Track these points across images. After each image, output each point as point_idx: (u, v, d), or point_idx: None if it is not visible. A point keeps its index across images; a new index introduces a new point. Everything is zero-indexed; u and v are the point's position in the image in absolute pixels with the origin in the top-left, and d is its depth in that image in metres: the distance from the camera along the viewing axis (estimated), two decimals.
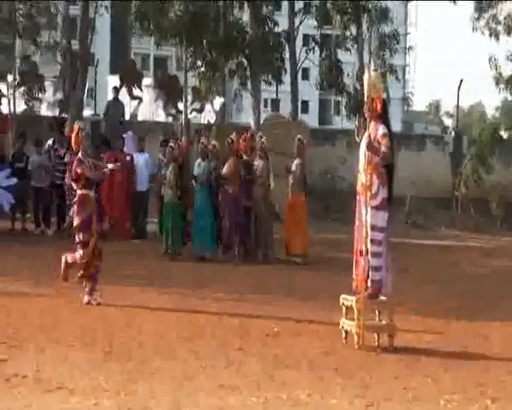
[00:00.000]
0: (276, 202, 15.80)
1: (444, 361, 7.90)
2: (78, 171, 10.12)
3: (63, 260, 10.21)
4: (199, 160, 15.11)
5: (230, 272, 13.50)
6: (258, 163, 14.82)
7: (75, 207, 10.15)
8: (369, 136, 8.43)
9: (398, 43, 27.02)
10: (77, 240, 10.08)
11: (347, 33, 25.80)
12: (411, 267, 14.05)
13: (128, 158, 17.89)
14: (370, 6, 25.71)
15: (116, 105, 21.87)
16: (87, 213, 10.07)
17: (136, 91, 25.08)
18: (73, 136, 10.33)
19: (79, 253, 10.05)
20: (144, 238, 17.12)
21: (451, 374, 7.46)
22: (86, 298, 10.09)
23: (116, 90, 22.63)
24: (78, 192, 10.17)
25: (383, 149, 8.38)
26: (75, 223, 10.13)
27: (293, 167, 14.81)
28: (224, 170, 14.82)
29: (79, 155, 10.22)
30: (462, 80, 25.72)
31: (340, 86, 24.98)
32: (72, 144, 10.44)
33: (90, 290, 10.11)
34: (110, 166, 10.76)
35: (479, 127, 31.09)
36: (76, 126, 10.40)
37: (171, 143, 15.55)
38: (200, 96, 24.35)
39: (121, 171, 17.24)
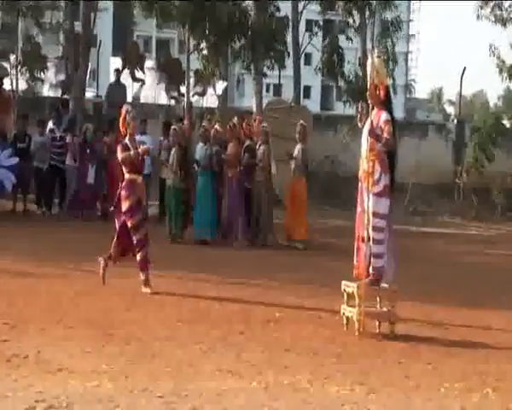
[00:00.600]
0: (277, 186, 15.77)
1: (445, 349, 7.90)
2: (119, 156, 9.85)
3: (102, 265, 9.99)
4: (200, 144, 15.07)
5: (231, 257, 13.48)
6: (259, 148, 14.80)
7: (123, 191, 9.79)
8: (372, 122, 8.40)
9: (400, 30, 26.88)
10: (129, 225, 9.77)
11: (350, 20, 25.69)
12: (413, 255, 14.04)
13: None
14: None
15: (118, 87, 21.81)
16: (136, 198, 9.77)
17: (138, 74, 24.99)
18: (121, 118, 9.96)
19: (135, 237, 9.76)
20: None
21: (452, 362, 7.46)
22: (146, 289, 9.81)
23: (118, 72, 22.57)
24: (126, 176, 9.83)
25: (385, 135, 8.35)
26: (124, 208, 9.78)
27: (296, 152, 14.79)
28: (225, 154, 14.80)
29: (126, 139, 9.90)
30: (465, 68, 25.62)
31: (341, 73, 24.90)
32: (120, 127, 10.02)
33: (146, 279, 9.89)
34: (142, 148, 10.11)
35: (481, 116, 30.95)
36: (123, 109, 10.00)
37: (175, 126, 15.49)
38: (203, 79, 24.26)
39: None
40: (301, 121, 15.28)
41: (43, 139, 17.62)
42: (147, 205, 10.12)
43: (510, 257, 15.80)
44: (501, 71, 26.08)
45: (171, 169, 14.88)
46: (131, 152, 9.76)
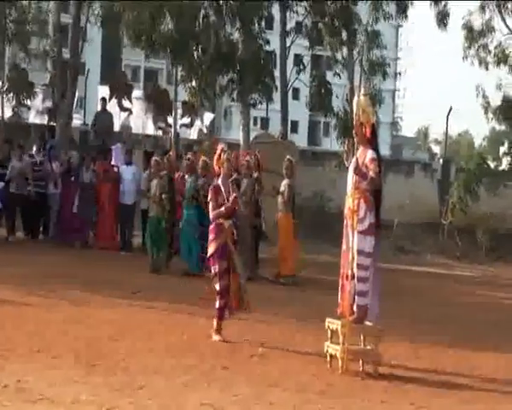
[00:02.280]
0: (264, 221, 15.85)
1: (431, 390, 7.93)
2: (210, 202, 9.55)
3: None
4: (186, 176, 15.16)
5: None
6: (243, 182, 14.88)
7: (210, 235, 9.53)
8: (357, 160, 8.50)
9: (387, 68, 27.18)
10: (212, 272, 9.52)
11: (338, 56, 25.96)
12: (399, 293, 14.11)
13: (115, 170, 17.99)
14: (361, 30, 25.88)
15: (104, 116, 21.92)
16: (222, 241, 9.42)
17: (125, 103, 25.11)
18: (215, 157, 9.71)
19: (217, 284, 9.43)
20: (130, 251, 17.21)
21: (439, 402, 7.49)
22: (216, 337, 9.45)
23: (104, 100, 22.67)
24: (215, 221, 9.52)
25: (371, 174, 8.45)
26: (209, 252, 9.52)
27: (282, 188, 14.88)
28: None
29: (219, 180, 9.60)
30: (451, 108, 25.95)
31: (329, 108, 25.11)
32: (214, 166, 9.79)
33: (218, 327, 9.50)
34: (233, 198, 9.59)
35: (466, 156, 31.31)
36: (219, 147, 9.78)
37: (156, 157, 15.58)
38: (190, 110, 24.41)
39: (108, 183, 17.45)
40: (288, 156, 15.39)
41: (21, 164, 17.56)
42: (235, 250, 9.51)
43: (496, 298, 15.93)
44: (486, 111, 26.42)
45: (154, 200, 14.95)
46: (223, 209, 9.44)
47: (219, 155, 9.62)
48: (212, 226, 9.52)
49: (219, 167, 9.64)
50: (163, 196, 14.98)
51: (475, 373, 8.84)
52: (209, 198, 9.58)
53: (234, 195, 9.53)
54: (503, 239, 22.57)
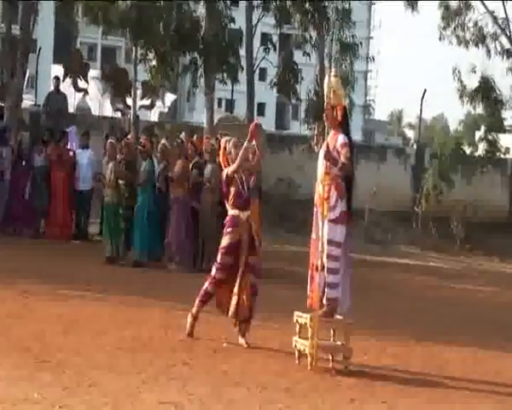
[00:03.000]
0: None
1: (401, 387, 7.94)
2: (224, 189, 9.30)
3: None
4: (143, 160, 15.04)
5: (176, 281, 13.45)
6: (207, 166, 14.81)
7: (225, 228, 9.19)
8: (328, 145, 8.46)
9: (358, 48, 27.20)
10: (217, 261, 9.23)
11: (307, 35, 25.90)
12: (369, 286, 14.15)
13: (71, 154, 17.80)
14: (332, 7, 25.85)
15: (57, 96, 21.64)
16: (237, 237, 9.08)
17: (81, 83, 24.85)
18: (220, 152, 9.48)
19: (215, 274, 9.21)
20: (85, 240, 17.06)
21: (409, 401, 7.50)
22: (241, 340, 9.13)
23: (57, 79, 22.34)
24: (229, 211, 9.21)
25: (342, 159, 8.41)
26: (221, 244, 9.21)
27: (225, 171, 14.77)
28: (173, 172, 14.80)
29: (231, 169, 9.20)
30: (425, 90, 26.01)
31: (295, 91, 25.08)
32: (220, 160, 9.53)
33: (244, 332, 9.15)
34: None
35: (441, 141, 31.50)
36: (222, 142, 9.50)
37: (111, 139, 15.44)
38: (151, 91, 24.23)
39: (62, 168, 17.25)
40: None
41: None
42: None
43: (469, 291, 16.06)
44: (461, 95, 26.58)
45: (109, 185, 14.83)
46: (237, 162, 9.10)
47: (224, 149, 9.30)
48: (228, 218, 9.20)
49: (226, 160, 9.26)
50: (120, 181, 14.85)
51: (444, 370, 8.86)
52: (224, 189, 9.30)
53: (241, 150, 9.09)
54: (478, 229, 22.74)
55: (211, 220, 14.60)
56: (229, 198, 9.18)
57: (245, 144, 9.11)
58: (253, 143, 9.14)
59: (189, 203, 14.77)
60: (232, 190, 9.14)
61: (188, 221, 14.72)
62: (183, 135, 15.36)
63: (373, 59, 38.69)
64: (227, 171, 9.22)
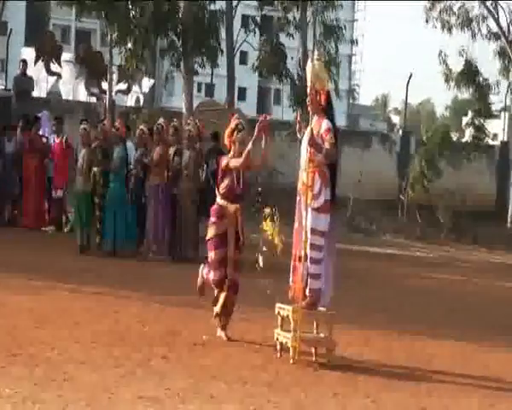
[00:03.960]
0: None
1: (385, 381, 7.98)
2: (219, 176, 9.11)
3: (200, 273, 9.27)
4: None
5: (152, 271, 13.44)
6: (184, 153, 14.79)
7: (211, 217, 9.07)
8: (312, 131, 8.45)
9: (343, 31, 27.20)
10: (208, 258, 9.10)
11: (290, 17, 25.87)
12: (353, 276, 14.19)
13: (44, 140, 17.71)
14: None
15: (24, 80, 21.49)
16: (223, 229, 8.94)
17: (54, 66, 24.70)
18: (227, 131, 9.08)
19: (211, 275, 9.07)
20: (59, 228, 17.01)
21: (393, 396, 7.53)
22: (221, 333, 9.07)
23: (24, 63, 22.13)
24: (217, 200, 9.05)
25: (327, 145, 8.40)
26: (207, 236, 9.10)
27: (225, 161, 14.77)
28: (151, 158, 14.77)
29: (228, 157, 9.04)
30: (411, 75, 26.07)
31: (283, 73, 25.02)
32: (225, 141, 9.15)
33: (225, 325, 9.10)
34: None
35: (428, 127, 31.61)
36: (233, 122, 9.05)
37: (84, 125, 15.38)
38: (127, 75, 24.13)
39: (35, 154, 17.14)
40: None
41: None
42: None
43: (455, 281, 16.13)
44: (447, 79, 26.64)
45: (80, 172, 14.78)
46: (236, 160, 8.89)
47: (232, 131, 9.02)
48: (214, 207, 9.05)
49: (230, 144, 9.03)
50: (95, 168, 14.80)
51: (429, 364, 8.91)
52: (219, 177, 9.07)
53: (247, 149, 8.80)
54: (465, 218, 22.86)
55: (190, 208, 14.61)
56: (221, 188, 9.00)
57: (249, 145, 8.83)
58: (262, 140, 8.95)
59: (168, 191, 14.74)
60: (226, 181, 8.99)
61: (165, 209, 14.70)
62: (161, 120, 15.29)
63: (357, 42, 38.76)
64: (227, 162, 9.01)
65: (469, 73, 26.28)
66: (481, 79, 26.55)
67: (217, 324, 9.11)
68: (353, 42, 37.35)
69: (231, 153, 9.03)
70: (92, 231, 14.90)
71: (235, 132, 8.97)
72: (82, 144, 15.16)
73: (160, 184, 14.70)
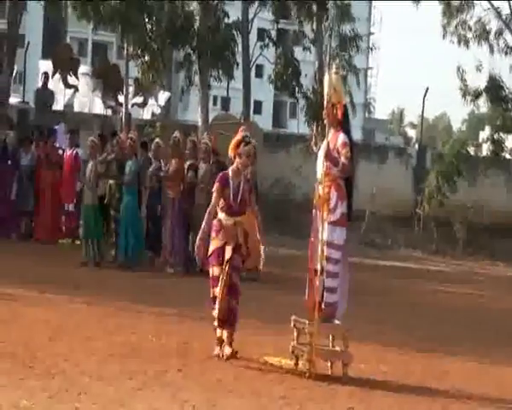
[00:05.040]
0: None
1: (400, 396, 7.94)
2: (213, 189, 8.85)
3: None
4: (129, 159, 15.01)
5: (168, 285, 13.46)
6: (200, 167, 14.81)
7: (212, 232, 8.80)
8: (328, 144, 8.46)
9: (359, 43, 27.26)
10: (210, 274, 8.85)
11: (306, 30, 25.92)
12: (368, 291, 14.15)
13: (60, 152, 17.78)
14: (332, 2, 25.89)
15: (45, 93, 21.64)
16: (221, 243, 8.69)
17: (71, 79, 24.84)
18: (232, 144, 8.78)
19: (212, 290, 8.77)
20: (74, 241, 17.07)
21: None
22: (227, 350, 8.62)
23: (46, 75, 22.35)
24: (218, 215, 8.81)
25: (343, 159, 8.41)
26: (208, 253, 8.79)
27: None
28: (167, 171, 14.82)
29: (230, 170, 8.78)
30: (427, 89, 26.03)
31: (296, 88, 25.06)
32: (230, 152, 8.83)
33: (230, 341, 8.70)
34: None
35: (444, 141, 31.54)
36: (240, 133, 8.81)
37: (92, 138, 15.41)
38: (143, 88, 24.24)
39: (50, 167, 17.19)
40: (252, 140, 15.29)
41: None
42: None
43: (470, 297, 16.05)
44: (464, 94, 26.59)
45: (88, 185, 14.78)
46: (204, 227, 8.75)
47: (239, 142, 8.73)
48: (214, 221, 8.83)
49: (235, 156, 8.74)
50: (111, 181, 14.86)
51: (445, 380, 8.86)
52: (214, 188, 8.81)
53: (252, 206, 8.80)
54: (481, 233, 22.77)
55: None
56: (220, 202, 8.78)
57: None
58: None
59: (183, 204, 14.78)
60: (224, 195, 8.75)
61: (181, 222, 14.73)
62: (177, 133, 15.35)
63: (372, 50, 38.70)
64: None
65: (492, 89, 26.22)
66: (506, 93, 26.46)
67: (216, 341, 8.76)
68: (369, 51, 37.39)
69: (234, 165, 8.78)
70: (107, 244, 14.94)
71: (242, 145, 8.73)
72: (90, 157, 15.16)
73: (175, 198, 14.75)
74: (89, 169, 14.89)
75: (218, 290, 8.63)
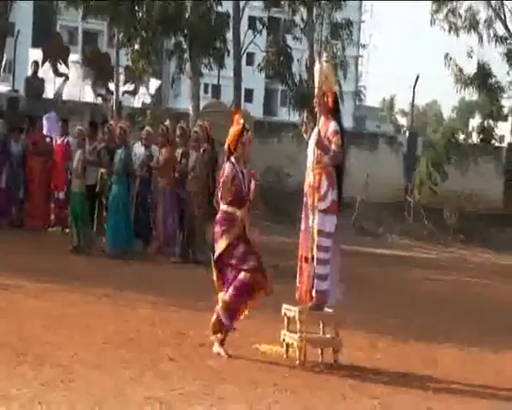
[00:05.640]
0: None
1: (393, 384, 7.96)
2: (220, 181, 8.55)
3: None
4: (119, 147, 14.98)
5: (161, 273, 13.47)
6: (191, 155, 14.80)
7: (215, 227, 8.48)
8: (319, 132, 8.48)
9: (350, 32, 27.21)
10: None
11: (296, 18, 25.88)
12: (360, 279, 14.18)
13: (48, 140, 17.72)
14: None
15: (35, 81, 21.57)
16: (234, 235, 8.37)
17: (61, 68, 24.78)
18: (234, 134, 8.52)
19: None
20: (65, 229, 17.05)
21: (400, 398, 7.54)
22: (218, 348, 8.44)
23: (36, 64, 22.26)
24: (222, 208, 8.49)
25: (334, 147, 8.43)
26: (218, 249, 8.41)
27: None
28: (157, 160, 14.81)
29: (233, 158, 8.51)
30: (418, 76, 26.02)
31: (288, 76, 25.03)
32: (229, 142, 8.49)
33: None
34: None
35: (435, 128, 31.62)
36: (239, 125, 8.51)
37: (80, 126, 15.39)
38: (134, 76, 24.19)
39: (40, 156, 17.15)
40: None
41: None
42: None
43: (463, 284, 16.10)
44: (457, 80, 26.60)
45: (75, 174, 14.78)
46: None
47: (241, 132, 8.50)
48: (219, 215, 8.50)
49: (237, 145, 8.46)
50: (102, 170, 14.85)
51: (439, 367, 8.88)
52: (222, 179, 8.47)
53: (253, 183, 8.43)
54: (472, 220, 22.82)
55: (197, 212, 14.58)
56: (228, 194, 8.44)
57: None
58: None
59: (175, 192, 14.77)
60: (233, 187, 8.42)
61: (174, 211, 14.73)
62: (167, 122, 15.33)
63: (363, 45, 38.77)
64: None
65: (482, 76, 26.25)
66: (493, 81, 26.51)
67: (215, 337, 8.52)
68: (360, 43, 37.39)
69: (236, 154, 8.51)
70: (98, 232, 14.92)
71: (245, 133, 8.53)
72: (77, 146, 15.13)
73: (166, 187, 14.73)
74: (76, 157, 14.89)
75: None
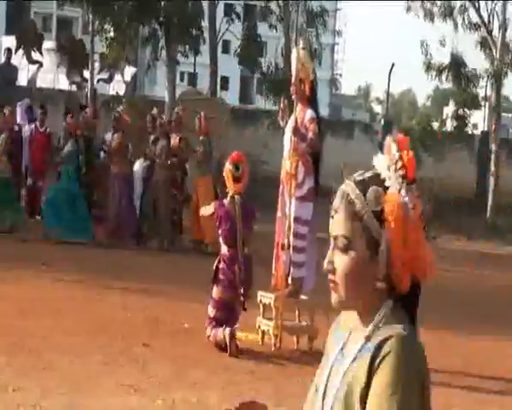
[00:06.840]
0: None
1: None
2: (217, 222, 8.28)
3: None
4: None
5: (131, 260, 13.30)
6: (158, 143, 14.66)
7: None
8: (296, 120, 8.46)
9: (326, 20, 27.23)
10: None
11: (272, 5, 25.86)
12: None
13: (16, 128, 17.45)
14: None
15: (8, 69, 21.37)
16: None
17: (35, 55, 24.58)
18: (225, 170, 8.30)
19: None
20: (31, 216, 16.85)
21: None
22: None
23: (9, 51, 22.05)
24: (222, 250, 8.27)
25: (310, 134, 8.42)
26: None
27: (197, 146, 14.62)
28: (109, 145, 14.70)
29: (228, 197, 8.32)
30: (393, 64, 26.13)
31: (258, 63, 25.04)
32: (227, 182, 8.31)
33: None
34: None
35: (409, 116, 31.73)
36: (229, 165, 8.27)
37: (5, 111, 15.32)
38: (109, 64, 24.04)
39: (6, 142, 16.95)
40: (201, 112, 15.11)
41: None
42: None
43: (439, 271, 16.12)
44: (428, 68, 26.64)
45: None
46: None
47: (233, 170, 8.27)
48: (220, 257, 8.27)
49: (235, 182, 8.28)
50: (80, 157, 14.75)
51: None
52: (217, 223, 8.27)
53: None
54: (446, 207, 22.90)
55: (164, 199, 14.38)
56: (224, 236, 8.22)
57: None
58: None
59: (129, 178, 14.63)
60: (224, 226, 8.19)
61: (129, 197, 14.58)
62: (120, 108, 15.24)
63: (339, 33, 38.81)
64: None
65: (455, 65, 26.30)
66: (467, 70, 26.58)
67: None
68: (336, 31, 37.43)
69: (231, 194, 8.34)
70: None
71: (231, 170, 8.26)
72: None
73: (119, 173, 14.52)
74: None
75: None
